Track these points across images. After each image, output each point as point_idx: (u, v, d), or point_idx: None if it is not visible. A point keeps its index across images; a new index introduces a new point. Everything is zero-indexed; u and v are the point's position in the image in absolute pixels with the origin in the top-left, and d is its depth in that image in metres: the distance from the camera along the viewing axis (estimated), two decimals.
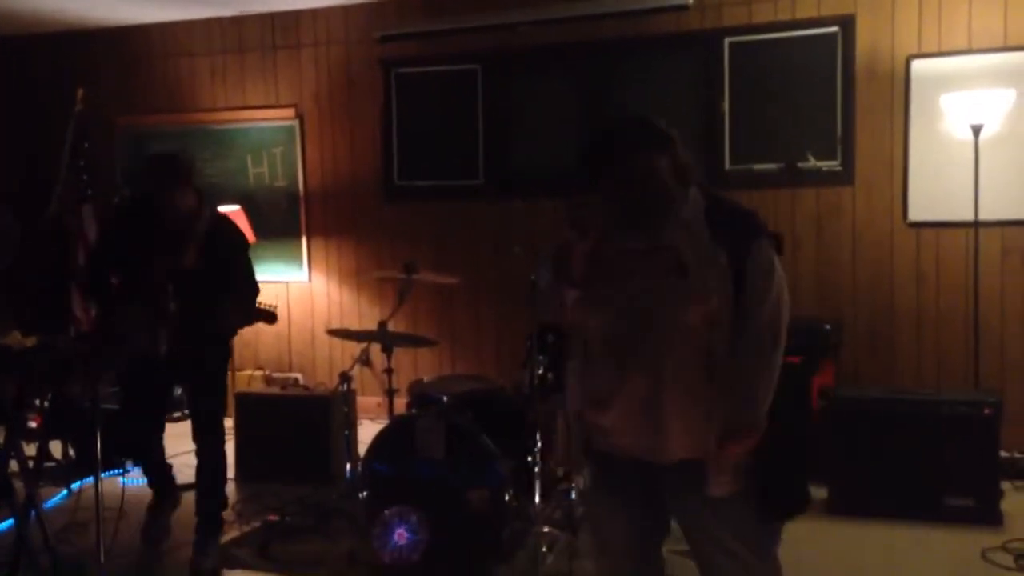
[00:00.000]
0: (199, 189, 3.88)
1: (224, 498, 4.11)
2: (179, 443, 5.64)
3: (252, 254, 4.05)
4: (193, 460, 4.01)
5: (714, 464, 2.25)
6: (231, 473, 5.00)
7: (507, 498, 3.61)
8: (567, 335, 2.41)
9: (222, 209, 6.07)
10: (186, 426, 4.05)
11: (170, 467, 4.30)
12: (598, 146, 2.32)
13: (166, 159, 3.86)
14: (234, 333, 4.06)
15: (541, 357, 3.83)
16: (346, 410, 4.42)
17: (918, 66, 5.11)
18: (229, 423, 5.38)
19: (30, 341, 3.52)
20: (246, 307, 3.75)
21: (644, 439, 2.29)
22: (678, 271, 2.23)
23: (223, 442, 4.06)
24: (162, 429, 4.19)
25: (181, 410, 6.49)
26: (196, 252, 3.72)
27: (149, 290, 3.68)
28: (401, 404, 4.34)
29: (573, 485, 3.94)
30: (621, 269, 2.30)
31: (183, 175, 3.76)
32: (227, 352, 4.12)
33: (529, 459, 3.84)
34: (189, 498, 4.29)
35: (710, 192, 2.36)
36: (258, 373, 6.44)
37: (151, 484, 4.20)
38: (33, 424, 5.20)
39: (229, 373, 6.18)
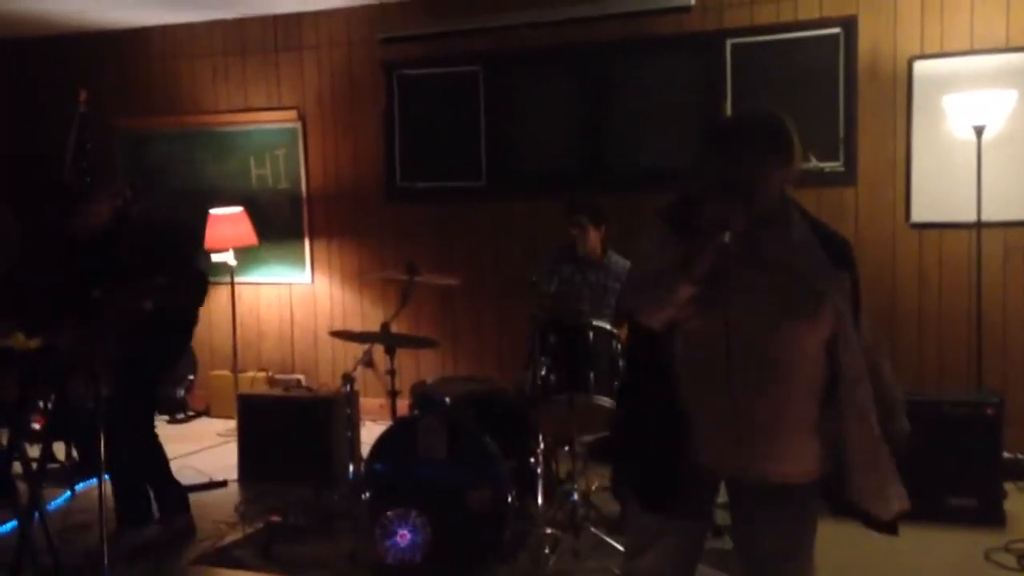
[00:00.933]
0: (131, 191, 4.12)
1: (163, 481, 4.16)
2: (181, 446, 5.67)
3: (255, 256, 4.09)
4: (190, 463, 4.03)
5: (884, 480, 2.23)
6: (234, 475, 5.02)
7: (509, 499, 3.61)
8: (653, 334, 2.21)
9: (223, 211, 6.14)
10: (183, 428, 4.07)
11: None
12: (723, 144, 2.20)
13: (65, 184, 4.09)
14: (182, 324, 4.10)
15: (543, 358, 3.83)
16: (349, 411, 4.42)
17: (920, 67, 5.11)
18: (232, 424, 5.40)
19: (33, 343, 3.52)
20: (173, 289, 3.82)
21: (742, 459, 2.21)
22: (810, 294, 2.16)
23: (144, 430, 4.09)
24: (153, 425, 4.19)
25: (184, 412, 6.52)
26: (128, 248, 3.84)
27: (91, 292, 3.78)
28: (403, 405, 4.34)
29: (574, 486, 3.94)
30: (744, 280, 2.17)
31: (85, 196, 3.94)
32: (176, 348, 4.19)
33: (531, 460, 3.85)
34: (190, 499, 4.30)
35: (800, 207, 2.31)
36: (261, 374, 6.45)
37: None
38: (36, 426, 5.20)
39: (234, 375, 6.21)
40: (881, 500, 2.24)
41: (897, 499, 2.24)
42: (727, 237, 2.07)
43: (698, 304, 2.15)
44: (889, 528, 2.28)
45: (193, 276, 4.01)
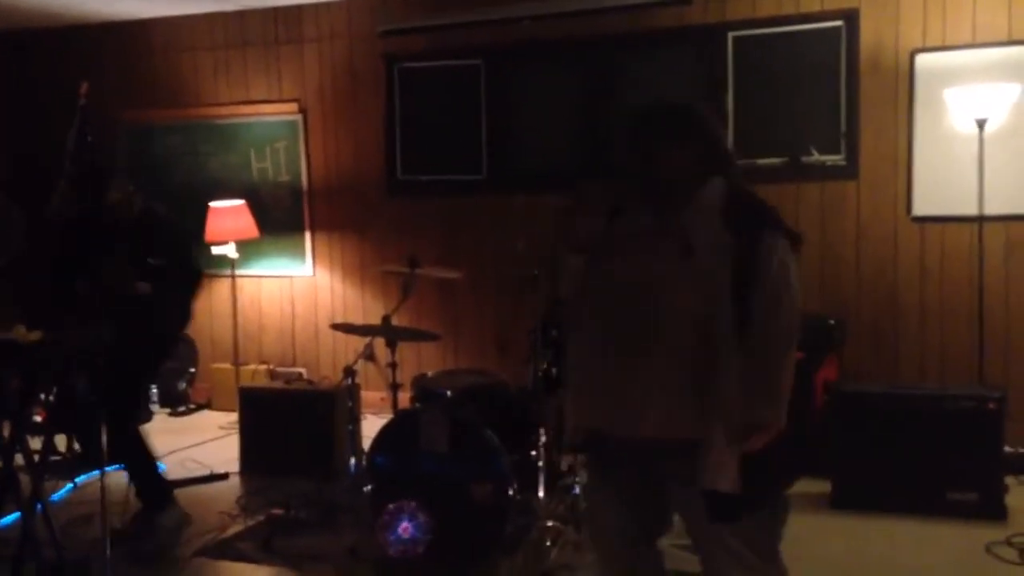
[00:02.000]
0: (131, 188, 4.14)
1: (154, 476, 4.21)
2: (182, 439, 5.68)
3: (256, 249, 4.12)
4: (191, 456, 4.04)
5: (716, 456, 2.24)
6: (235, 468, 5.03)
7: (511, 492, 3.62)
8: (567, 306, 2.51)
9: (224, 204, 6.13)
10: (185, 421, 4.08)
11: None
12: (625, 129, 2.40)
13: (87, 171, 4.14)
14: (175, 321, 4.16)
15: (545, 351, 3.83)
16: (350, 404, 4.42)
17: (922, 60, 5.10)
18: (233, 417, 5.41)
19: (35, 335, 3.52)
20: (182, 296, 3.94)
21: (627, 413, 2.30)
22: (683, 252, 2.25)
23: (130, 428, 4.13)
24: (134, 420, 4.21)
25: (186, 405, 6.53)
26: (129, 243, 3.92)
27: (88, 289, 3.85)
28: (405, 398, 4.34)
29: (577, 479, 3.94)
30: (630, 245, 2.35)
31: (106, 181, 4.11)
32: (162, 347, 4.25)
33: (532, 453, 3.85)
34: (191, 492, 4.31)
35: (737, 183, 2.39)
36: (262, 368, 6.45)
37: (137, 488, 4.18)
38: (38, 418, 5.20)
39: (235, 368, 6.22)
40: (720, 471, 2.23)
41: (720, 474, 2.22)
42: (588, 215, 2.40)
43: (591, 270, 2.40)
44: (725, 512, 2.26)
45: (187, 265, 4.10)
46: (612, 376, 2.33)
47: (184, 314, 4.25)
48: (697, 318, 2.24)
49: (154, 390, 6.26)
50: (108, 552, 3.40)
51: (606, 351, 2.34)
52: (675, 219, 2.31)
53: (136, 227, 4.01)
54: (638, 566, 2.52)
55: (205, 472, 4.93)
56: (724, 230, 2.26)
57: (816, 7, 5.27)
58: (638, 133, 2.38)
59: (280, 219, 6.48)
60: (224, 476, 4.93)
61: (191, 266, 4.16)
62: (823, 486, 4.25)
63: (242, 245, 6.20)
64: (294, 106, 6.45)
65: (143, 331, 3.95)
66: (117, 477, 4.12)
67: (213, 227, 6.08)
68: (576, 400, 2.47)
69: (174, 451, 5.31)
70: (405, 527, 3.60)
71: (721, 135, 2.49)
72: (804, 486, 4.05)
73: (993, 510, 4.06)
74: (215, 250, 6.11)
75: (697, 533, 2.39)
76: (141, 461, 4.13)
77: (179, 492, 4.39)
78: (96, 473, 3.61)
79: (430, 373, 4.65)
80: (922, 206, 5.16)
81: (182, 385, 6.53)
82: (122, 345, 3.73)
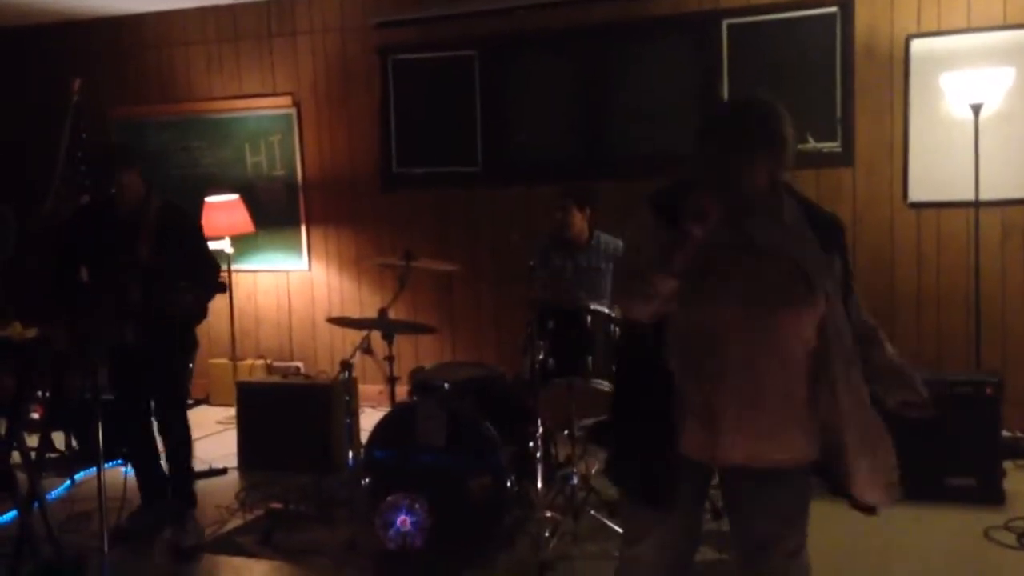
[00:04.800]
0: (147, 179, 4.02)
1: (193, 473, 4.23)
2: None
3: (251, 244, 4.09)
4: (199, 450, 4.06)
5: (866, 473, 2.23)
6: (234, 462, 5.02)
7: (508, 484, 3.62)
8: (642, 327, 2.21)
9: (219, 199, 6.11)
10: (194, 414, 4.10)
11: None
12: (707, 132, 2.18)
13: (106, 146, 3.99)
14: (197, 318, 4.09)
15: (542, 342, 3.82)
16: (347, 398, 4.42)
17: (917, 45, 5.09)
18: (231, 412, 5.40)
19: (30, 333, 3.52)
20: (202, 293, 3.84)
21: (734, 447, 2.20)
22: (801, 279, 2.15)
23: (186, 418, 4.18)
24: (148, 419, 4.19)
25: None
26: (150, 243, 3.82)
27: (111, 282, 3.77)
28: (402, 391, 4.34)
29: (574, 470, 3.94)
30: (733, 268, 2.16)
31: (126, 160, 3.94)
32: (192, 339, 4.17)
33: (530, 445, 3.85)
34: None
35: (796, 192, 2.29)
36: (259, 362, 6.44)
37: (141, 484, 4.18)
38: (35, 415, 5.20)
39: (232, 362, 6.21)
40: (870, 486, 2.24)
41: (886, 489, 2.24)
42: (702, 230, 2.01)
43: (684, 296, 2.12)
44: (870, 509, 2.29)
45: (211, 267, 4.05)
46: (718, 403, 2.18)
47: (202, 313, 4.15)
48: (809, 342, 2.18)
49: None
50: (106, 548, 3.40)
51: (716, 377, 2.17)
52: (762, 236, 2.16)
53: (160, 227, 3.90)
54: None
55: (204, 467, 4.92)
56: (825, 251, 2.19)
57: None
58: (719, 138, 2.14)
59: (275, 213, 6.46)
60: (222, 471, 4.93)
61: (214, 266, 4.09)
62: None
63: (237, 240, 6.19)
64: (288, 99, 6.43)
65: (168, 331, 3.93)
66: (114, 474, 4.12)
67: (208, 222, 6.04)
68: (687, 432, 2.23)
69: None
70: (403, 520, 3.60)
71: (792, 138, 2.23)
72: None
73: (991, 495, 4.06)
74: (211, 245, 6.08)
75: (746, 511, 2.33)
76: (188, 450, 4.17)
77: None
78: (93, 470, 3.61)
79: (427, 366, 4.64)
80: (918, 192, 5.16)
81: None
82: (164, 344, 3.78)
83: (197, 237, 4.11)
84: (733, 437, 2.19)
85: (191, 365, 4.26)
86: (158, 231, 3.87)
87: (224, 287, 3.97)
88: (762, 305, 2.15)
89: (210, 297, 3.94)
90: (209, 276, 3.93)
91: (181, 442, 4.14)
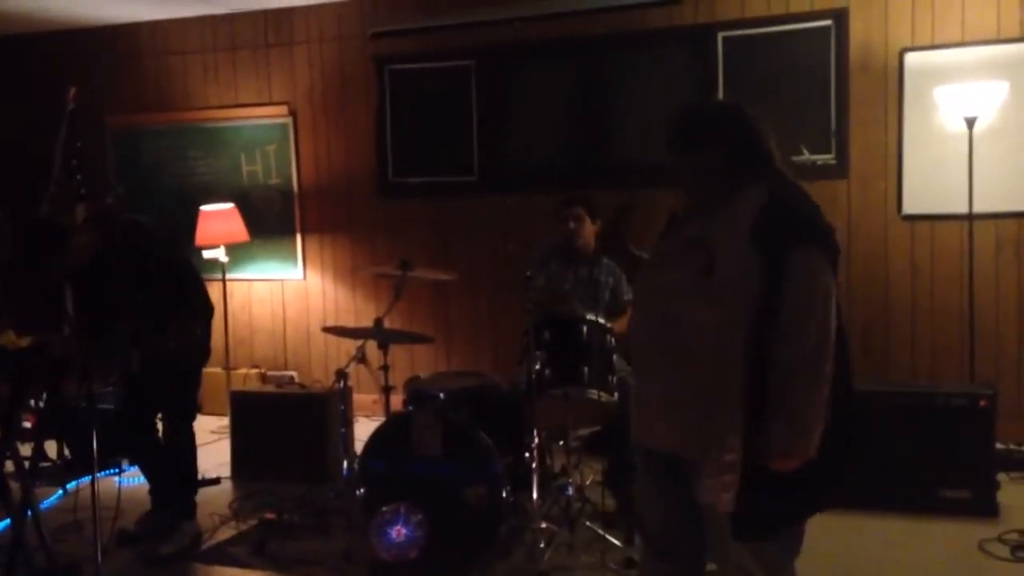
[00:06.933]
0: (104, 209, 4.13)
1: (194, 484, 4.21)
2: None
3: (247, 252, 4.09)
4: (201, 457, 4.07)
5: (711, 477, 2.20)
6: (227, 472, 5.01)
7: (504, 494, 3.61)
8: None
9: (214, 208, 6.10)
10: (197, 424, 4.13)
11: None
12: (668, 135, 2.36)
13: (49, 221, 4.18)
14: (195, 354, 4.11)
15: (538, 352, 3.82)
16: (342, 408, 4.41)
17: (912, 59, 5.12)
18: (225, 422, 5.39)
19: (24, 341, 3.50)
20: (188, 332, 3.87)
21: (670, 435, 2.31)
22: (705, 268, 2.19)
23: (192, 431, 4.16)
24: (154, 429, 4.20)
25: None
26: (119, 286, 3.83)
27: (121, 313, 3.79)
28: (397, 401, 4.33)
29: (569, 481, 3.94)
30: (669, 258, 2.34)
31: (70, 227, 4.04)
32: (201, 353, 4.17)
33: (526, 455, 3.84)
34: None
35: (780, 192, 2.24)
36: (253, 371, 6.43)
37: (151, 489, 4.22)
38: (28, 424, 5.17)
39: (226, 372, 6.19)
40: (705, 493, 2.24)
41: (716, 494, 2.19)
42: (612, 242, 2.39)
43: (634, 292, 2.45)
44: (745, 531, 2.22)
45: (200, 301, 4.04)
46: (641, 390, 2.38)
47: (202, 352, 4.14)
48: (711, 338, 2.17)
49: None
50: (99, 558, 3.38)
51: (649, 371, 2.35)
52: (708, 232, 2.24)
53: (129, 264, 3.86)
54: (679, 559, 2.45)
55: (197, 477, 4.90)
56: (751, 246, 2.14)
57: (805, 7, 5.29)
58: (666, 139, 2.33)
59: (271, 222, 6.46)
60: (216, 481, 4.91)
61: (192, 296, 4.02)
62: None
63: (232, 249, 6.18)
64: (284, 109, 6.43)
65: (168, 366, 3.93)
66: (107, 484, 4.10)
67: (203, 231, 6.06)
68: (633, 412, 2.46)
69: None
70: (398, 530, 3.59)
71: (755, 137, 2.31)
72: None
73: (985, 507, 4.07)
74: (205, 254, 6.08)
75: (715, 545, 2.36)
76: (189, 461, 4.16)
77: None
78: (87, 479, 3.59)
79: (423, 375, 4.63)
80: (912, 204, 5.18)
81: None
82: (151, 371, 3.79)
83: (169, 263, 3.97)
84: (662, 424, 2.32)
85: (199, 378, 4.27)
86: (127, 261, 3.87)
87: (211, 310, 4.02)
88: (674, 295, 2.27)
89: (196, 331, 3.96)
90: (189, 313, 3.93)
91: (183, 452, 4.12)
